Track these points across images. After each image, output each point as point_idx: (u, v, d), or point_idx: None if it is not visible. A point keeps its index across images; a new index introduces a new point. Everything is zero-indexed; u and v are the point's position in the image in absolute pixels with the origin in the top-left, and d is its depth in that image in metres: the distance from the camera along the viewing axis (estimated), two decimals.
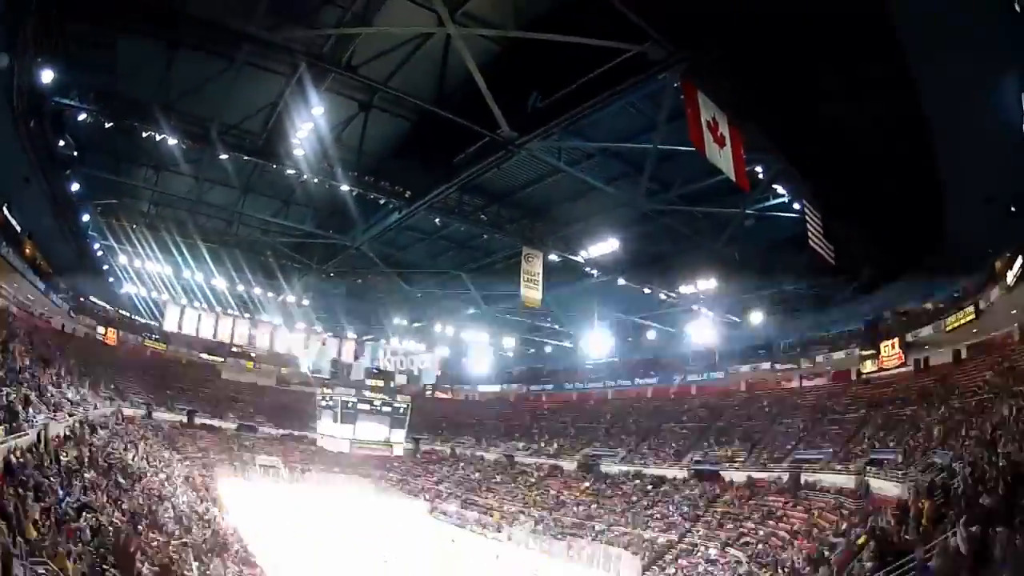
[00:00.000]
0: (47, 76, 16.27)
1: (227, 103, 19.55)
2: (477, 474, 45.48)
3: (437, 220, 26.06)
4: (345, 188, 22.91)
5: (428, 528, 35.71)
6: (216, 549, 20.42)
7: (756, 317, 29.49)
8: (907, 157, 15.29)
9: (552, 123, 16.81)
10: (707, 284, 26.89)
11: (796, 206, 19.00)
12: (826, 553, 15.67)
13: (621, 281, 28.05)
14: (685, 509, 29.49)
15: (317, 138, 20.61)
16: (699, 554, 25.25)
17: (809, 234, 17.84)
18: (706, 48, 12.98)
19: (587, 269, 27.40)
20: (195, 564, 17.28)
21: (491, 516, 37.00)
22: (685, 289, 27.94)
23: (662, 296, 29.53)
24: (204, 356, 56.14)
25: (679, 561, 25.32)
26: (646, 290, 29.03)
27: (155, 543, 16.24)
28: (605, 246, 25.02)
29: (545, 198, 25.82)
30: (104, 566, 10.75)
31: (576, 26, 14.01)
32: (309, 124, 19.23)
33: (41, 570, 8.03)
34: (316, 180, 22.45)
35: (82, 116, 18.28)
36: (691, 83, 13.27)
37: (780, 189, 19.19)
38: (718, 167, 13.94)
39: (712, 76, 13.61)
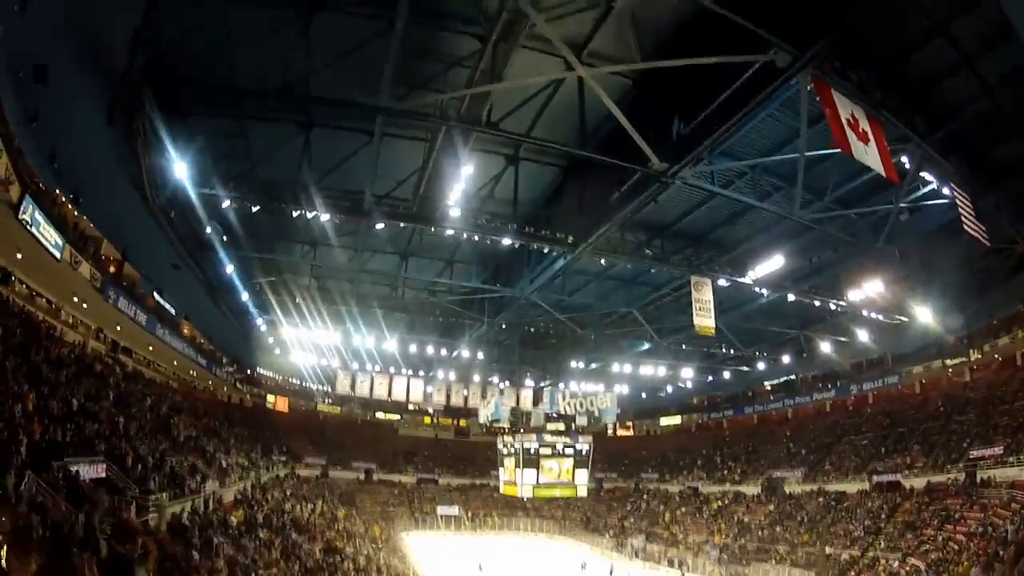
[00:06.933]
0: (180, 169, 17.34)
1: (374, 174, 19.66)
2: (661, 507, 45.49)
3: (602, 261, 25.75)
4: (507, 242, 22.63)
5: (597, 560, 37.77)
6: None
7: (923, 313, 27.44)
8: None
9: (699, 148, 15.96)
10: (873, 287, 26.03)
11: (946, 191, 18.29)
12: (1000, 552, 15.71)
13: (791, 297, 27.22)
14: (867, 522, 29.37)
15: (471, 197, 20.58)
16: (881, 567, 25.28)
17: (962, 218, 17.10)
18: (826, 43, 12.58)
19: (756, 289, 26.71)
20: None
21: (676, 548, 37.12)
22: (853, 296, 26.88)
23: (832, 306, 28.44)
24: (379, 416, 59.17)
25: None
26: (816, 303, 27.94)
27: None
28: (770, 264, 24.28)
29: (705, 224, 25.24)
30: None
31: (699, 47, 13.60)
32: (460, 184, 18.88)
33: None
34: (476, 238, 22.38)
35: (226, 203, 19.49)
36: (823, 82, 13.27)
37: (928, 176, 18.59)
38: (866, 164, 13.78)
39: (840, 71, 13.54)
